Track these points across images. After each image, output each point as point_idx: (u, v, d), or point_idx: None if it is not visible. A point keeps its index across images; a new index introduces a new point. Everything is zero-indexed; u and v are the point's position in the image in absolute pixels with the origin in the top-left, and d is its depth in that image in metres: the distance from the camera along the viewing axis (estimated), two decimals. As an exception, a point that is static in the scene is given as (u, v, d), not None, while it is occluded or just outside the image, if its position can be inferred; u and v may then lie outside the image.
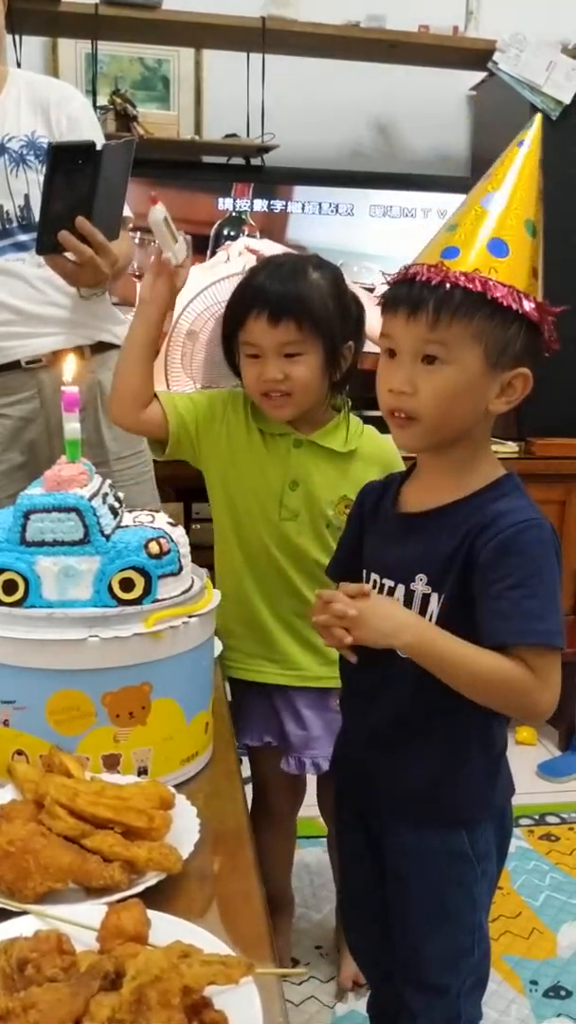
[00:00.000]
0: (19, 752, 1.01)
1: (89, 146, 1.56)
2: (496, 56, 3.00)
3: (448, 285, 1.03)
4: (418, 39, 2.97)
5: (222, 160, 3.20)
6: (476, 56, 3.03)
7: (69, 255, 1.62)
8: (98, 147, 1.56)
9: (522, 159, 1.09)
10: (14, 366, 1.90)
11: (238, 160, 3.19)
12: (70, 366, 1.17)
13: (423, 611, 1.11)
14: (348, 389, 1.55)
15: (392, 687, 1.14)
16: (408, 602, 1.13)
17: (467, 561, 1.07)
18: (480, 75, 3.21)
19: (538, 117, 1.12)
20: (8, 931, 0.76)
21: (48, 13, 2.65)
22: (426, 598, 1.11)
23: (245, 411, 1.55)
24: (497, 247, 1.04)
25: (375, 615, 1.05)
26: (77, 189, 1.55)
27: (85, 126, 1.82)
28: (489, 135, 3.37)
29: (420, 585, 1.12)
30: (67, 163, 1.53)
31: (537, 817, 2.45)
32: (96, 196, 1.56)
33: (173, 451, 1.54)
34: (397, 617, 1.06)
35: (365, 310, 1.54)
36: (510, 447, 3.20)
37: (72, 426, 1.07)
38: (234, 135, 3.06)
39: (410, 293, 1.05)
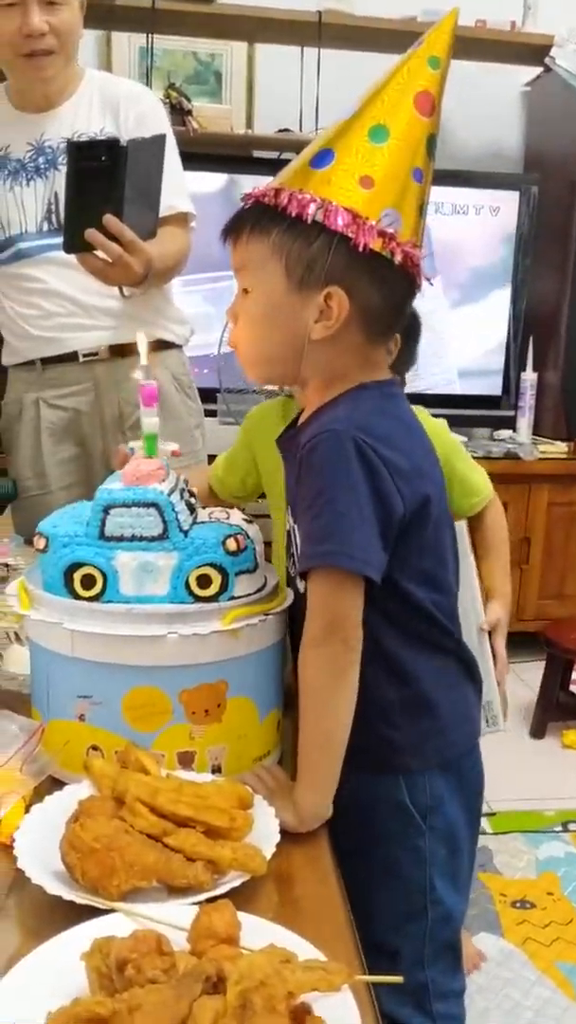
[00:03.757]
0: (94, 747, 1.00)
1: (112, 143, 1.54)
2: (553, 51, 2.98)
3: (247, 204, 0.98)
4: (475, 34, 2.94)
5: (274, 155, 3.19)
6: (533, 51, 3.01)
7: (100, 253, 1.60)
8: (122, 143, 1.55)
9: (393, 68, 0.97)
10: (71, 358, 1.90)
11: (290, 155, 3.17)
12: (143, 348, 1.13)
13: (293, 547, 1.07)
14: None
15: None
16: (290, 540, 1.10)
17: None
18: (535, 71, 3.17)
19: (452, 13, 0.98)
20: (95, 929, 0.75)
21: (105, 6, 2.65)
22: (293, 534, 1.07)
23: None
24: (320, 158, 0.95)
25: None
26: (103, 186, 1.52)
27: (152, 124, 1.81)
28: (543, 131, 3.33)
29: (290, 521, 1.09)
30: (89, 160, 1.51)
31: (585, 823, 2.42)
32: (126, 193, 1.53)
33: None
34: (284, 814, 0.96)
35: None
36: (559, 447, 3.16)
37: (151, 420, 1.06)
38: (287, 130, 3.05)
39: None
